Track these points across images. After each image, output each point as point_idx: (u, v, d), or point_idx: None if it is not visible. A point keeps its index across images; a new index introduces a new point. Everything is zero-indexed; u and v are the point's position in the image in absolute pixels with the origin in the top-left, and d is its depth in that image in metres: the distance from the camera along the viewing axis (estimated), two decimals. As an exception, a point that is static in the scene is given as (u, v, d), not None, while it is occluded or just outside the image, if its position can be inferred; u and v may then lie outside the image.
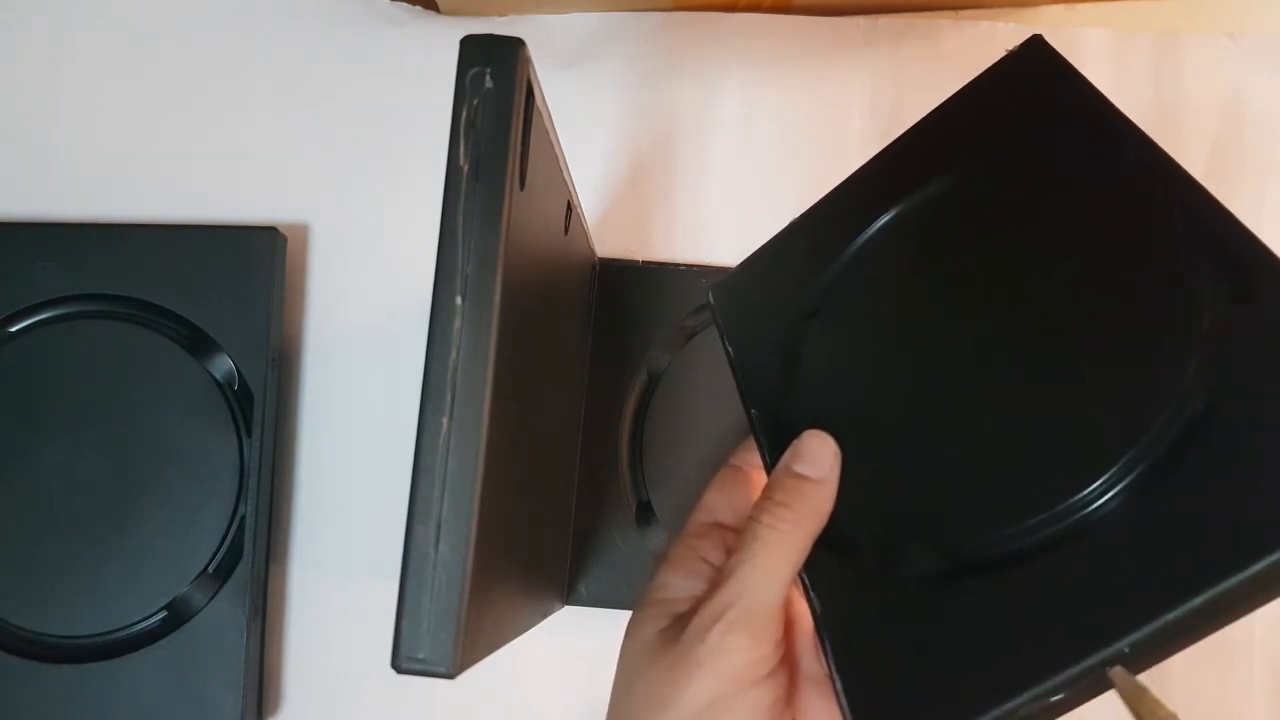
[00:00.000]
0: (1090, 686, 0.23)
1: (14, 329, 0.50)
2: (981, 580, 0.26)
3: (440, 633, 0.25)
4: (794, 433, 0.32)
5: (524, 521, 0.36)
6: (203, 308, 0.49)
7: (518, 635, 0.36)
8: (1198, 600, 0.21)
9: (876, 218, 0.36)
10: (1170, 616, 0.21)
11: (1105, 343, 0.27)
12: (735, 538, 0.32)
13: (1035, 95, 0.33)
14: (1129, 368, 0.26)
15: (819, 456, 0.32)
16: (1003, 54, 0.35)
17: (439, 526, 0.25)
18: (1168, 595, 0.22)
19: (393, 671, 0.25)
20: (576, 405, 0.50)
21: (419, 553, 0.25)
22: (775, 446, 0.33)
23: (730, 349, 0.39)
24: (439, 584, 0.25)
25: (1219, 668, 0.48)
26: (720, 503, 0.35)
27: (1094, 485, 0.25)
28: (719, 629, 0.29)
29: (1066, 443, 0.26)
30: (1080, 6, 0.54)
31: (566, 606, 0.49)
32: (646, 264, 0.52)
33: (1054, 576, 0.25)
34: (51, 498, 0.48)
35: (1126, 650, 0.22)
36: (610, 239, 0.53)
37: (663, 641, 0.30)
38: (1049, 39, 0.34)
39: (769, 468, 0.33)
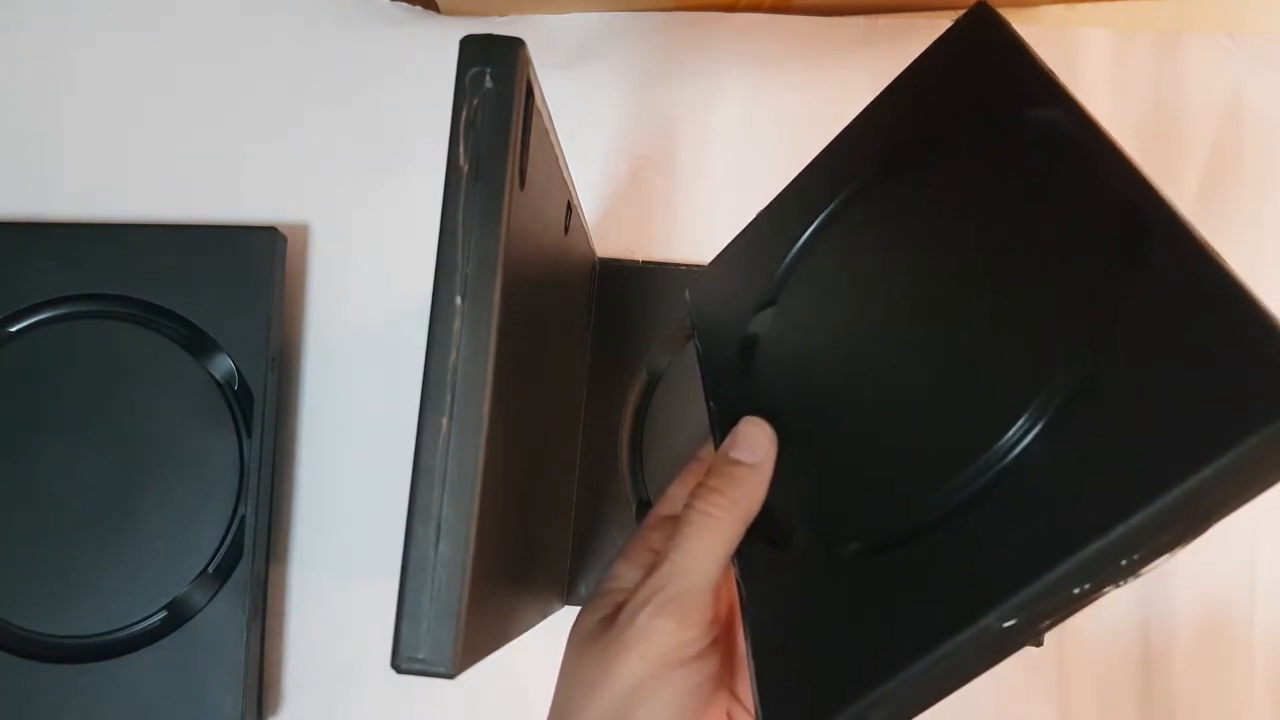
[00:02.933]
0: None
1: (14, 329, 0.50)
2: (897, 552, 0.27)
3: (440, 633, 0.25)
4: None
5: (524, 521, 0.36)
6: (203, 308, 0.49)
7: (518, 635, 0.36)
8: (1091, 548, 0.22)
9: (824, 206, 0.36)
10: (1076, 557, 0.22)
11: (1022, 311, 0.28)
12: None
13: (975, 69, 0.33)
14: (1036, 331, 0.27)
15: (755, 442, 0.32)
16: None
17: (439, 526, 0.25)
18: (1074, 538, 0.22)
19: (393, 671, 0.25)
20: (576, 405, 0.49)
21: (419, 553, 0.25)
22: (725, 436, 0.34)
23: (699, 344, 0.39)
24: (439, 584, 0.25)
25: (1219, 668, 0.48)
26: (682, 496, 0.36)
27: (1000, 441, 0.25)
28: (647, 612, 0.30)
29: (976, 409, 0.27)
30: (1080, 6, 0.54)
31: (566, 606, 0.49)
32: (646, 264, 0.52)
33: (967, 534, 0.25)
34: (51, 498, 0.48)
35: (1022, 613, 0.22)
36: (610, 239, 0.53)
37: (602, 628, 0.31)
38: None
39: None
